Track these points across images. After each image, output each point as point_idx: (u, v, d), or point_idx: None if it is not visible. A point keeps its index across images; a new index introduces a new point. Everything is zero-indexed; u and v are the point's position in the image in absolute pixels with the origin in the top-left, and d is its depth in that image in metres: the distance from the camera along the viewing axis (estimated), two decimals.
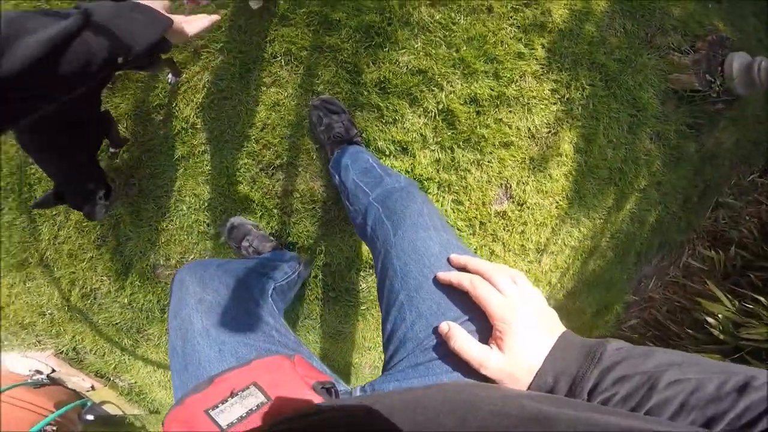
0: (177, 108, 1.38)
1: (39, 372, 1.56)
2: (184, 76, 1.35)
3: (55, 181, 0.99)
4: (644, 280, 2.12)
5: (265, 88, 1.41)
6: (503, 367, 0.40)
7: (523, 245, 1.70)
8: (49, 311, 1.57)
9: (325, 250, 1.52)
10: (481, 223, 1.62)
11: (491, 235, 1.65)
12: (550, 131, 1.64)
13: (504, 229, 1.66)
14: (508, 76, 1.54)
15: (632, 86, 1.67)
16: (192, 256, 1.45)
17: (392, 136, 1.47)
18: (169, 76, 1.31)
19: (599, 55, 1.60)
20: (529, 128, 1.61)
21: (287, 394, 0.41)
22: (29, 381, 1.51)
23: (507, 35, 1.53)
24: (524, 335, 0.41)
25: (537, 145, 1.64)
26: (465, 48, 1.50)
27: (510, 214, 1.64)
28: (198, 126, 1.40)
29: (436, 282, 0.51)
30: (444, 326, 0.45)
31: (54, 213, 1.44)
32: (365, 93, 1.44)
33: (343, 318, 1.64)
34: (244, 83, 1.39)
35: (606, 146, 1.74)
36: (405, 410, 0.29)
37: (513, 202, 1.65)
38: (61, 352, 1.65)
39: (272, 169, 1.43)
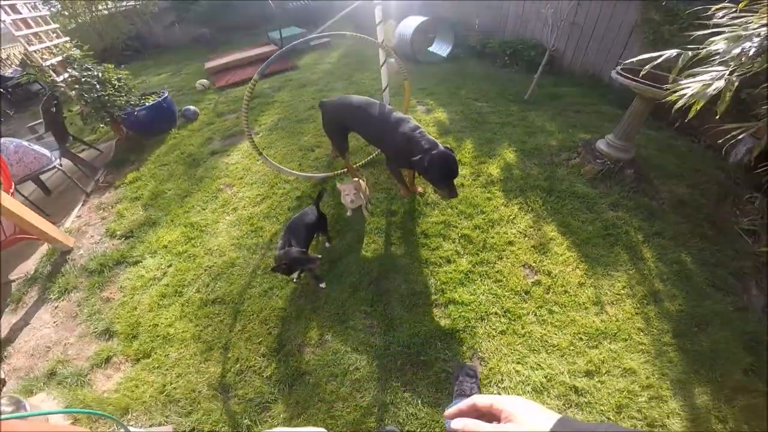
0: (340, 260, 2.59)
1: None
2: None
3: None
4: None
5: (369, 245, 2.67)
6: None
7: (576, 302, 2.21)
8: (200, 389, 2.12)
9: None
10: (526, 292, 2.27)
11: (540, 298, 2.24)
12: (534, 228, 2.63)
13: (548, 293, 2.26)
14: (490, 210, 2.75)
15: (566, 188, 2.80)
16: (329, 335, 2.21)
17: (438, 255, 2.52)
18: (327, 243, 2.68)
19: (531, 181, 2.89)
20: (520, 231, 2.62)
21: None
22: None
23: (477, 193, 2.90)
24: (528, 412, 0.51)
25: (531, 238, 2.57)
26: (460, 206, 2.81)
27: (544, 281, 2.32)
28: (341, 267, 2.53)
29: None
30: (457, 423, 0.54)
31: (253, 313, 2.39)
32: (417, 238, 2.65)
33: None
34: (360, 245, 2.67)
35: (582, 224, 2.62)
36: None
37: (541, 273, 2.37)
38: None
39: (371, 283, 2.43)
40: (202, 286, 2.64)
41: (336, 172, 3.34)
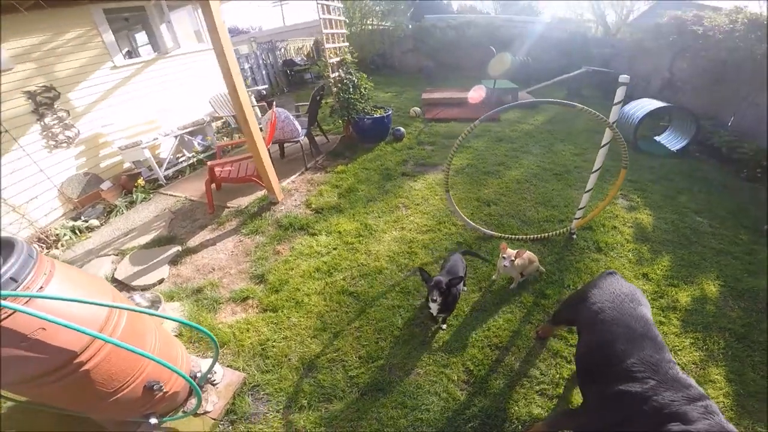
0: None
1: (213, 374, 2.20)
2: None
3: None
4: None
5: (504, 313, 2.75)
6: None
7: None
8: (291, 357, 2.45)
9: None
10: None
11: None
12: (696, 366, 2.36)
13: None
14: None
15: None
16: (422, 370, 2.33)
17: (573, 351, 2.40)
18: (463, 287, 2.85)
19: (724, 322, 2.54)
20: (677, 362, 2.28)
21: None
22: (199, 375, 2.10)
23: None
24: None
25: (686, 373, 2.23)
26: None
27: None
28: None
29: None
30: None
31: (374, 319, 2.70)
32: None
33: None
34: (495, 309, 2.74)
35: (759, 379, 2.25)
36: None
37: None
38: (246, 384, 2.30)
39: (488, 348, 2.48)
40: (349, 276, 3.15)
41: (504, 235, 3.50)
